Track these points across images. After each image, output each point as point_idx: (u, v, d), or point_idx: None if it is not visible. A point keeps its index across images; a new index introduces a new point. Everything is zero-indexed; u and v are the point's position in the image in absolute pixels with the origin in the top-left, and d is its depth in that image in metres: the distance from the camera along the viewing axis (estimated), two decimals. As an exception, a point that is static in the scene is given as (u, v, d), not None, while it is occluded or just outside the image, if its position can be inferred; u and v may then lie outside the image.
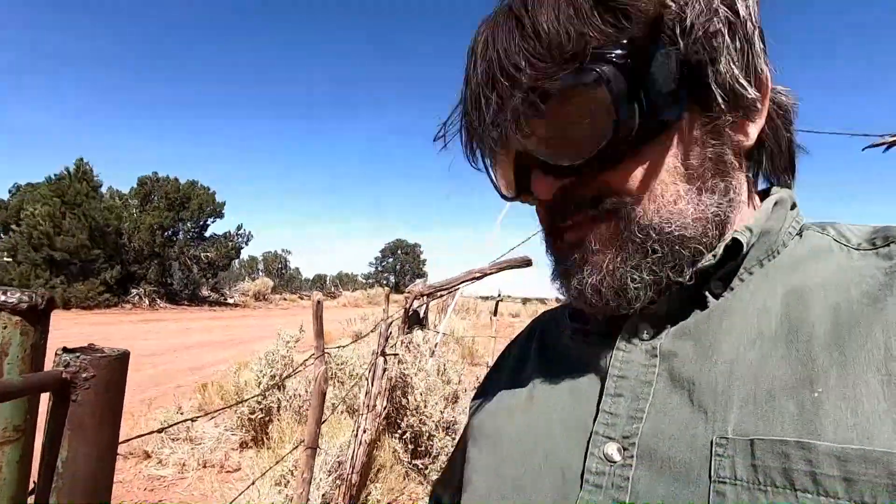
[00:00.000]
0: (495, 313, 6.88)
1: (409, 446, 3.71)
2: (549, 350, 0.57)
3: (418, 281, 4.27)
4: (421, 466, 3.63)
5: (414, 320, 5.08)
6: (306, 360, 2.05)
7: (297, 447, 2.76)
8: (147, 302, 16.30)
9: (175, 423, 1.98)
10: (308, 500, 1.78)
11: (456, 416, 3.95)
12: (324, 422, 1.83)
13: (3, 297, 0.48)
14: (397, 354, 2.98)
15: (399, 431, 3.70)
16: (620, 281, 0.40)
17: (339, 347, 4.01)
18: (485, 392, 0.62)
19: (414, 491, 3.53)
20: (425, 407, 3.63)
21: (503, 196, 0.49)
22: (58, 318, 13.10)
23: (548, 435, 0.46)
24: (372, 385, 2.79)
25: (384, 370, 2.81)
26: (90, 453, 0.49)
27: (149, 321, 13.54)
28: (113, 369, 0.51)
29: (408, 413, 3.67)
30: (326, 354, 2.06)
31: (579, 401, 0.45)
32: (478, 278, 4.61)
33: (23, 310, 0.48)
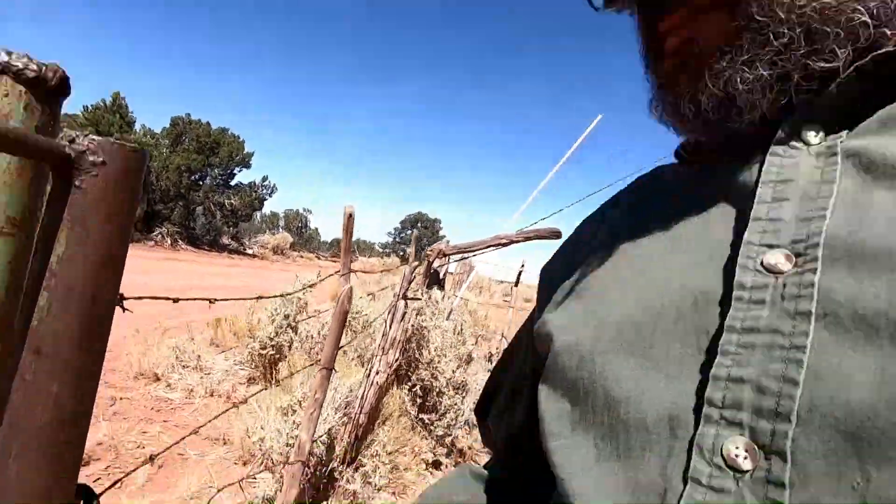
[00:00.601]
0: (517, 283, 6.74)
1: (418, 400, 3.64)
2: (648, 199, 0.45)
3: (442, 241, 4.15)
4: (427, 421, 3.57)
5: (433, 280, 4.98)
6: (322, 311, 1.95)
7: (307, 381, 2.70)
8: (169, 241, 16.58)
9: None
10: (317, 422, 1.69)
11: (468, 378, 3.86)
12: (341, 347, 1.73)
13: (6, 58, 0.37)
14: (419, 298, 2.88)
15: (409, 384, 3.63)
16: (744, 84, 0.32)
17: (361, 297, 3.93)
18: (556, 267, 0.52)
19: (418, 444, 3.47)
20: (438, 363, 3.54)
21: (592, 5, 0.42)
22: (83, 246, 13.34)
23: (663, 276, 0.35)
24: (389, 328, 2.70)
25: (403, 314, 2.71)
26: (91, 256, 0.40)
27: (169, 259, 13.76)
28: (128, 162, 0.42)
29: (420, 367, 3.59)
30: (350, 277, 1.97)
31: (706, 229, 0.35)
32: (504, 244, 4.46)
33: (28, 78, 0.38)
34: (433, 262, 3.90)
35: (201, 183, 18.61)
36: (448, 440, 3.54)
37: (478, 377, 4.04)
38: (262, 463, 2.62)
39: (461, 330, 4.02)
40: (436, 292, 4.48)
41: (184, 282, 10.19)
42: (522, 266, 6.98)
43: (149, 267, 11.39)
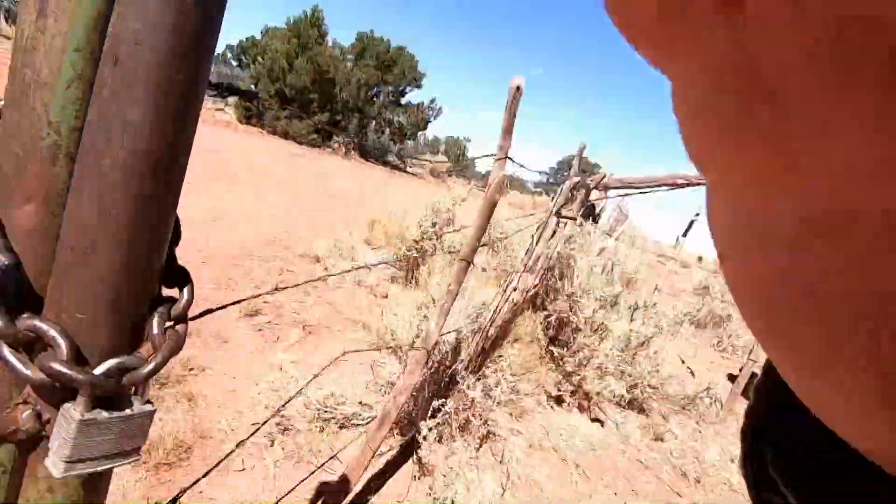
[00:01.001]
0: (685, 234, 5.92)
1: (550, 331, 3.44)
2: None
3: (603, 171, 3.66)
4: (556, 354, 3.37)
5: (588, 212, 4.55)
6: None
7: (443, 284, 2.65)
8: (343, 151, 18.20)
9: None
10: (447, 314, 1.59)
11: (609, 322, 3.51)
12: (483, 245, 1.54)
13: None
14: (574, 218, 2.58)
15: (544, 313, 3.43)
16: None
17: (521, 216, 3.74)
18: None
19: (543, 376, 3.33)
20: (580, 298, 3.25)
21: None
22: (276, 142, 15.35)
23: None
24: (536, 244, 2.47)
25: (553, 232, 2.45)
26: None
27: (344, 167, 15.13)
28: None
29: (559, 297, 3.34)
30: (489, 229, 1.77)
31: None
32: (679, 185, 3.81)
33: None
34: (593, 188, 3.50)
35: (375, 99, 19.74)
36: (575, 379, 3.32)
37: (619, 325, 3.67)
38: (391, 349, 2.72)
39: (611, 269, 3.62)
40: (589, 226, 4.09)
41: (357, 184, 11.19)
42: (697, 215, 6.03)
43: (327, 169, 12.69)
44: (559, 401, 3.37)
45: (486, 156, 1.41)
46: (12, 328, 0.42)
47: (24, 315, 0.44)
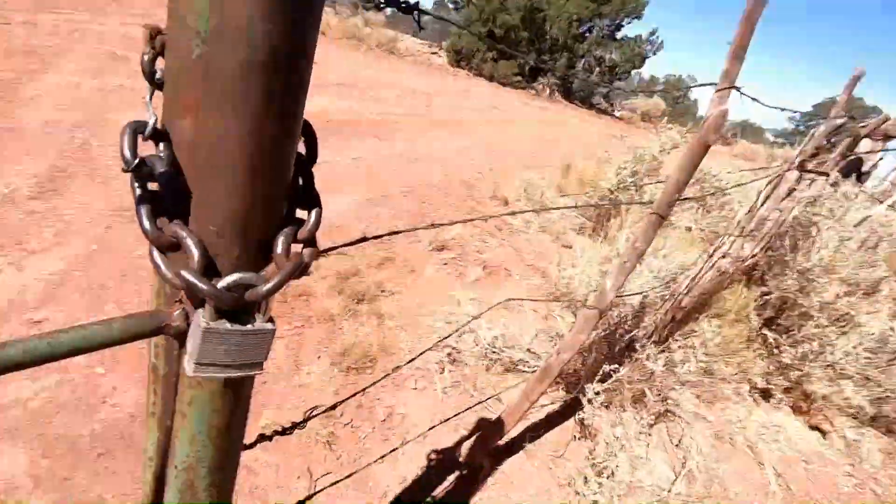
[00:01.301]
0: None
1: (767, 311, 2.83)
2: None
3: (885, 115, 2.68)
4: (771, 340, 2.78)
5: (851, 168, 3.51)
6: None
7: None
8: (548, 93, 17.59)
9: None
10: (629, 274, 1.38)
11: (859, 314, 2.71)
12: (683, 199, 1.26)
13: None
14: (826, 174, 1.97)
15: (761, 289, 2.83)
16: None
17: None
18: None
19: (749, 362, 2.79)
20: (818, 276, 2.57)
21: None
22: (481, 85, 15.59)
23: None
24: (761, 204, 1.97)
25: (790, 191, 1.91)
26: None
27: (546, 109, 14.68)
28: None
29: (786, 273, 2.70)
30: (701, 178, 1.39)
31: None
32: None
33: None
34: (864, 136, 2.62)
35: (587, 35, 18.28)
36: (794, 374, 2.71)
37: (873, 320, 2.81)
38: (566, 302, 2.59)
39: (874, 246, 2.75)
40: (848, 186, 3.14)
41: (560, 129, 10.82)
42: None
43: (529, 113, 12.48)
44: (766, 394, 2.81)
45: (705, 84, 1.10)
46: (158, 233, 0.45)
47: (174, 222, 0.47)
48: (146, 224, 0.44)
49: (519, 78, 17.08)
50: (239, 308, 0.47)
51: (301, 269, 0.50)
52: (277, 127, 0.44)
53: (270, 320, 0.50)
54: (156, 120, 0.47)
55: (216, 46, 0.39)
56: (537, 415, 2.21)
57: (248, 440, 1.74)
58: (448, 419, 2.11)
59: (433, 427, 2.05)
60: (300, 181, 0.53)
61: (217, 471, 0.63)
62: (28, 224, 2.50)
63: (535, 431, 2.13)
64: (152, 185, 0.46)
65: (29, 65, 4.43)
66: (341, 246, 0.88)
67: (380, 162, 4.96)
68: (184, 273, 0.43)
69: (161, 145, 0.50)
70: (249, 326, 0.47)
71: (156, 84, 0.46)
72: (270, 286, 0.46)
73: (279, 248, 0.48)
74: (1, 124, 3.33)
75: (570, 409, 2.25)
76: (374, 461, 1.83)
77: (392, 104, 7.56)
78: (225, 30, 0.38)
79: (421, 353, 2.32)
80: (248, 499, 1.64)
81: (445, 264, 3.40)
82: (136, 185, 0.47)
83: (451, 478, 1.86)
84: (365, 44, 13.40)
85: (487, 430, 1.92)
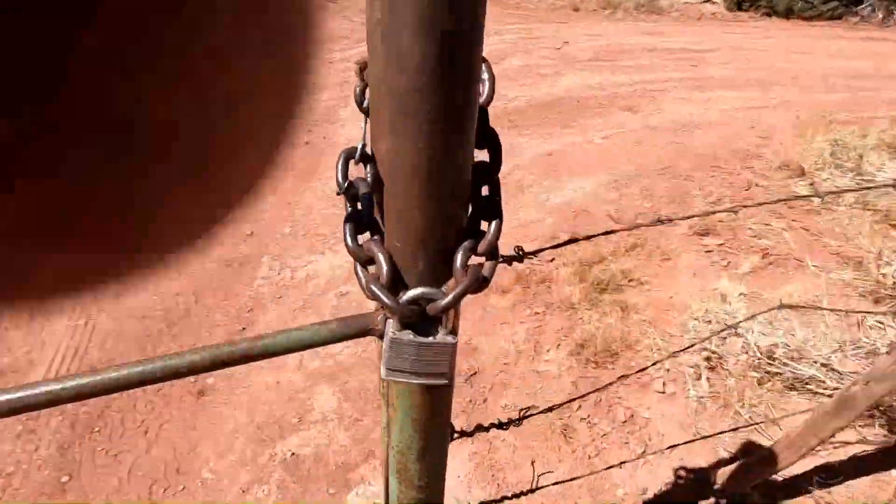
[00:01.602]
0: None
1: None
2: None
3: None
4: None
5: None
6: None
7: None
8: (879, 15, 13.04)
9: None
10: None
11: None
12: None
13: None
14: None
15: None
16: None
17: None
18: None
19: None
20: None
21: None
22: (771, 28, 12.64)
23: None
24: None
25: None
26: None
27: (872, 40, 10.96)
28: None
29: None
30: None
31: None
32: None
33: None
34: None
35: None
36: None
37: None
38: (890, 305, 1.88)
39: None
40: None
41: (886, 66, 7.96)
42: None
43: (845, 49, 9.53)
44: None
45: None
46: (357, 249, 0.50)
47: (372, 238, 0.51)
48: (349, 241, 0.49)
49: (834, 4, 13.13)
50: (423, 320, 0.49)
51: (480, 283, 0.48)
52: (450, 141, 0.43)
53: (453, 333, 0.50)
54: (364, 144, 0.51)
55: (389, 71, 0.40)
56: (836, 453, 1.70)
57: (487, 418, 1.87)
58: (707, 436, 1.82)
59: (690, 441, 1.81)
60: (484, 191, 0.51)
61: (424, 457, 0.68)
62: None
63: (830, 474, 1.64)
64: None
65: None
66: (540, 251, 0.83)
67: (632, 137, 4.58)
68: (372, 286, 0.47)
69: (368, 167, 0.55)
70: (430, 339, 0.48)
71: (365, 111, 0.51)
72: (447, 301, 0.46)
73: (457, 262, 0.48)
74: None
75: (894, 455, 1.65)
76: (612, 466, 1.73)
77: (649, 71, 6.84)
78: (393, 56, 0.39)
79: (673, 354, 2.06)
80: (488, 471, 1.77)
81: (709, 252, 2.92)
82: (347, 204, 0.53)
83: (704, 502, 1.60)
84: (621, 9, 12.50)
85: (756, 458, 1.57)
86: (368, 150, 0.50)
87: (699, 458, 1.73)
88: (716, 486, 1.57)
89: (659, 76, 6.62)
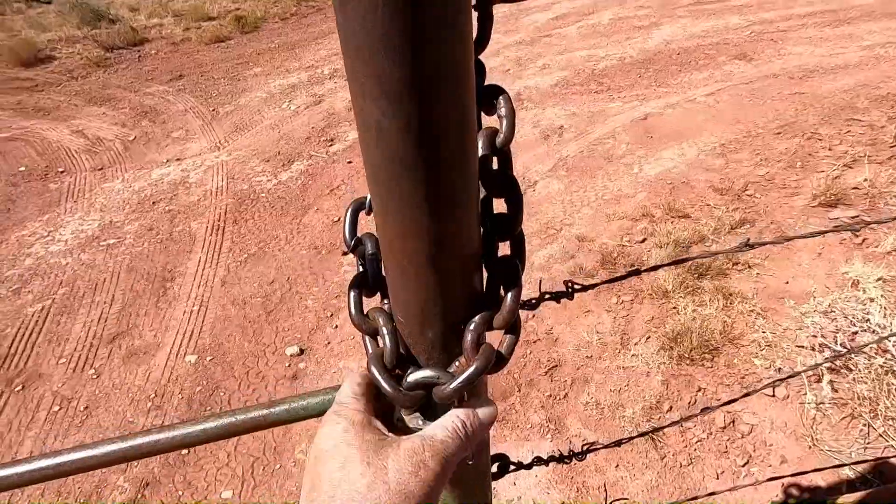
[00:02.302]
0: None
1: None
2: None
3: None
4: None
5: None
6: None
7: None
8: None
9: None
10: None
11: None
12: None
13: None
14: None
15: None
16: None
17: None
18: None
19: None
20: None
21: None
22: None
23: None
24: None
25: None
26: None
27: None
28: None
29: None
30: None
31: None
32: None
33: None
34: None
35: None
36: None
37: None
38: None
39: None
40: None
41: None
42: None
43: None
44: None
45: None
46: (362, 320, 0.45)
47: (379, 308, 0.46)
48: (353, 312, 0.45)
49: None
50: (429, 406, 0.43)
51: (496, 364, 0.41)
52: (451, 195, 0.35)
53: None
54: None
55: (365, 136, 0.34)
56: None
57: (567, 414, 1.78)
58: (828, 451, 1.58)
59: (811, 469, 1.58)
60: (498, 251, 0.43)
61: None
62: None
63: None
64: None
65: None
66: (596, 285, 0.72)
67: (744, 91, 4.00)
68: (372, 369, 0.42)
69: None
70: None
71: None
72: (453, 387, 0.40)
73: (468, 339, 0.41)
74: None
75: None
76: (711, 478, 1.57)
77: (768, 8, 5.89)
78: (368, 125, 0.32)
79: (787, 353, 1.80)
80: (567, 472, 1.70)
81: (837, 227, 2.48)
82: (358, 263, 0.48)
83: (821, 530, 1.40)
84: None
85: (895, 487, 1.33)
86: None
87: (816, 476, 1.50)
88: (836, 516, 1.35)
89: (780, 13, 5.69)
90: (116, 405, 2.27)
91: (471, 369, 0.39)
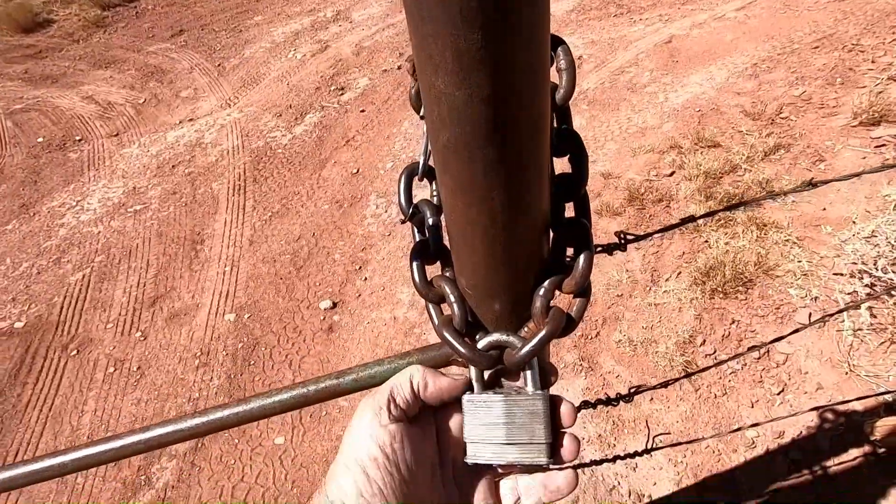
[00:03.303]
0: None
1: None
2: None
3: None
4: None
5: None
6: None
7: None
8: None
9: None
10: None
11: None
12: None
13: None
14: None
15: None
16: None
17: None
18: None
19: None
20: None
21: None
22: None
23: None
24: None
25: None
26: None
27: None
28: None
29: None
30: None
31: None
32: None
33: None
34: None
35: None
36: None
37: None
38: None
39: None
40: None
41: None
42: None
43: None
44: None
45: None
46: (427, 289, 0.45)
47: (443, 274, 0.45)
48: (416, 280, 0.45)
49: None
50: (501, 372, 0.44)
51: (566, 328, 0.41)
52: (524, 161, 0.34)
53: (545, 387, 0.43)
54: (428, 157, 0.45)
55: (434, 106, 0.32)
56: None
57: (599, 353, 1.81)
58: (867, 377, 1.59)
59: (849, 397, 1.59)
60: (565, 211, 0.42)
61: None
62: None
63: None
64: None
65: None
66: (647, 236, 0.70)
67: (778, 3, 3.70)
68: (444, 332, 0.42)
69: (434, 184, 0.48)
70: (513, 394, 0.42)
71: (423, 117, 0.43)
72: (524, 352, 0.40)
73: (537, 304, 0.41)
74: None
75: None
76: (745, 407, 1.60)
77: None
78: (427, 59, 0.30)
79: (824, 282, 1.77)
80: (602, 407, 1.76)
81: (881, 146, 2.36)
82: (415, 231, 0.47)
83: (855, 454, 1.43)
84: None
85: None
86: (432, 162, 0.43)
87: (854, 402, 1.52)
88: (874, 438, 1.38)
89: None
90: (166, 364, 2.40)
91: (542, 334, 0.39)
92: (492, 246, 0.38)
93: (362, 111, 3.81)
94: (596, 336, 1.98)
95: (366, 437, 0.39)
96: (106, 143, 4.10)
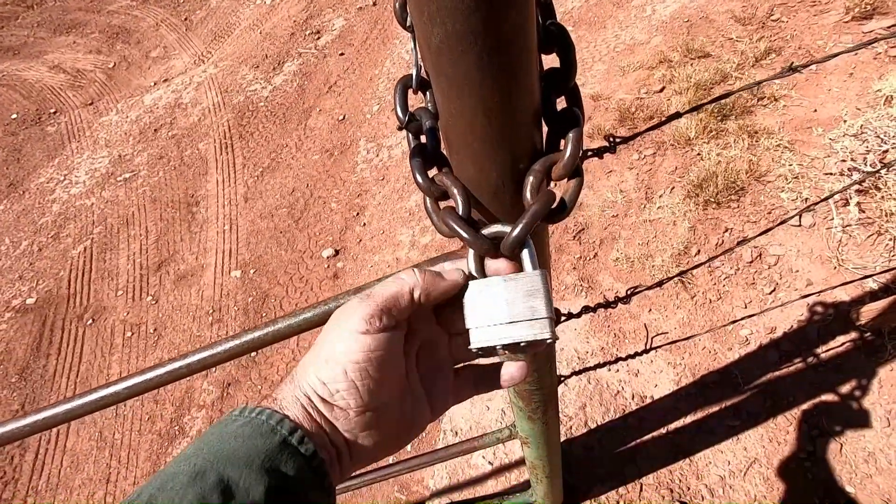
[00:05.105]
0: None
1: None
2: None
3: None
4: None
5: None
6: None
7: None
8: None
9: None
10: None
11: None
12: None
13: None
14: None
15: None
16: None
17: None
18: None
19: None
20: None
21: None
22: None
23: None
24: None
25: None
26: None
27: None
28: None
29: None
30: None
31: None
32: None
33: None
34: None
35: None
36: None
37: None
38: None
39: None
40: None
41: None
42: None
43: None
44: None
45: None
46: (429, 185, 0.47)
47: (442, 171, 0.48)
48: (418, 177, 0.47)
49: None
50: (500, 258, 0.47)
51: (557, 210, 0.43)
52: (515, 50, 0.35)
53: (543, 267, 0.47)
54: (420, 69, 0.46)
55: (423, 12, 0.33)
56: None
57: (598, 273, 1.87)
58: (854, 269, 1.65)
59: (836, 285, 1.66)
60: (556, 99, 0.44)
61: (543, 402, 0.72)
62: None
63: None
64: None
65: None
66: (637, 135, 0.72)
67: None
68: (450, 220, 0.44)
69: (428, 94, 0.50)
70: (511, 273, 0.45)
71: (409, 29, 0.44)
72: (515, 235, 0.42)
73: (527, 188, 0.43)
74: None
75: None
76: (739, 308, 1.68)
77: None
78: None
79: (815, 183, 1.80)
80: (604, 322, 1.84)
81: (872, 42, 2.31)
82: (411, 138, 0.50)
83: (842, 339, 1.52)
84: None
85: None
86: (424, 73, 0.45)
87: (842, 293, 1.60)
88: (859, 323, 1.46)
89: None
90: (181, 324, 2.48)
91: (533, 208, 0.41)
92: (486, 143, 0.40)
93: (341, 54, 3.68)
94: (594, 257, 2.04)
95: (351, 340, 0.39)
96: (82, 113, 3.99)
